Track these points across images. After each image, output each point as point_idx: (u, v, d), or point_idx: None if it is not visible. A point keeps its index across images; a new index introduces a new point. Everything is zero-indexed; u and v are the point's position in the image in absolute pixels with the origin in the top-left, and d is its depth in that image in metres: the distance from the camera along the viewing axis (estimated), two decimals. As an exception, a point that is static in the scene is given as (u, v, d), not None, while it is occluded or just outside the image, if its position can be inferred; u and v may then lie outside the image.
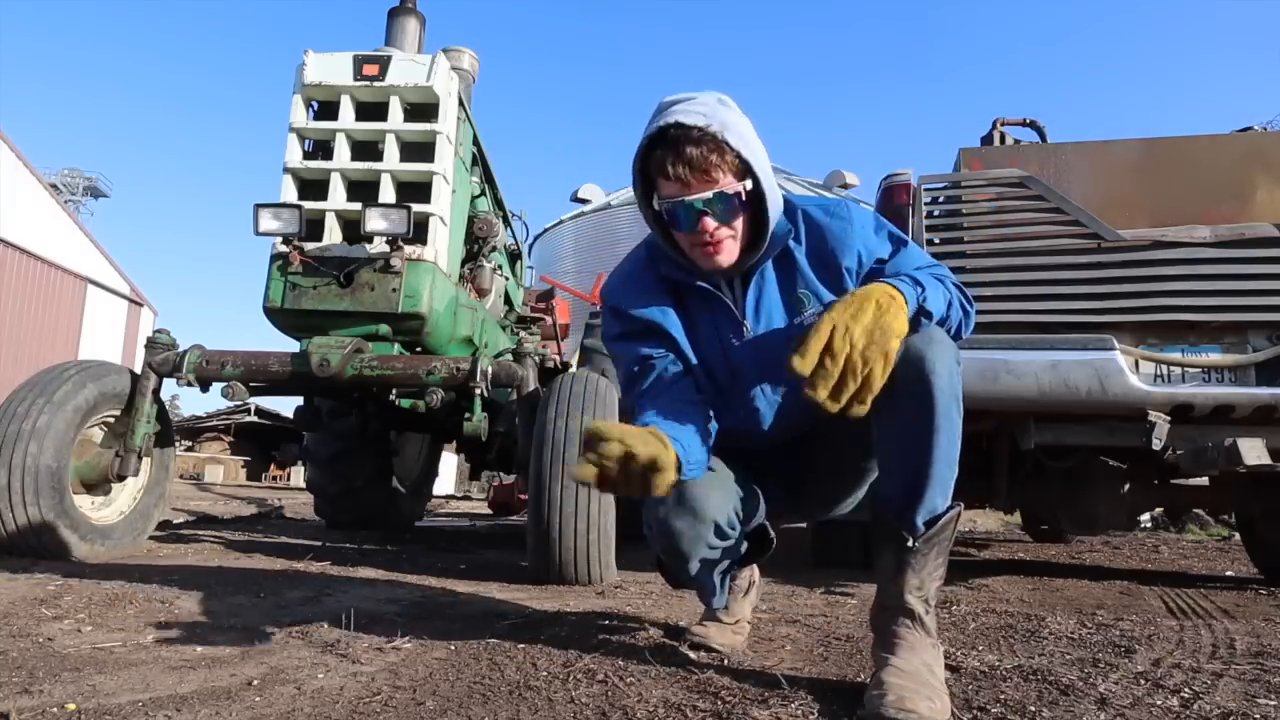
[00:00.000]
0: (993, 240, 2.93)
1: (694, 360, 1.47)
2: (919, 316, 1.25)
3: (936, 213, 3.02)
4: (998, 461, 3.30)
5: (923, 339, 1.26)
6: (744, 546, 1.59)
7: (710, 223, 1.31)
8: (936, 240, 2.97)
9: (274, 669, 1.40)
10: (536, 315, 5.60)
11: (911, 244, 1.45)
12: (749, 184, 1.31)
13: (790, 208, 1.44)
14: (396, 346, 3.23)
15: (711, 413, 1.44)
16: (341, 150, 3.18)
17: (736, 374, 1.46)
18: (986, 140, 3.87)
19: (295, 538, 4.30)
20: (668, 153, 1.29)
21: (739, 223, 1.34)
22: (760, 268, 1.42)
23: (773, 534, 1.61)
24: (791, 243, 1.42)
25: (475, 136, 3.80)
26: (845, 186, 14.45)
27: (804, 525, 4.21)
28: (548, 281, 7.96)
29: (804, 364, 1.13)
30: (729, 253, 1.36)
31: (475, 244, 3.87)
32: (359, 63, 3.17)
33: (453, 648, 1.60)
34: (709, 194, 1.29)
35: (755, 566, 1.81)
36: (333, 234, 3.15)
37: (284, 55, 6.01)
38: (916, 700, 1.11)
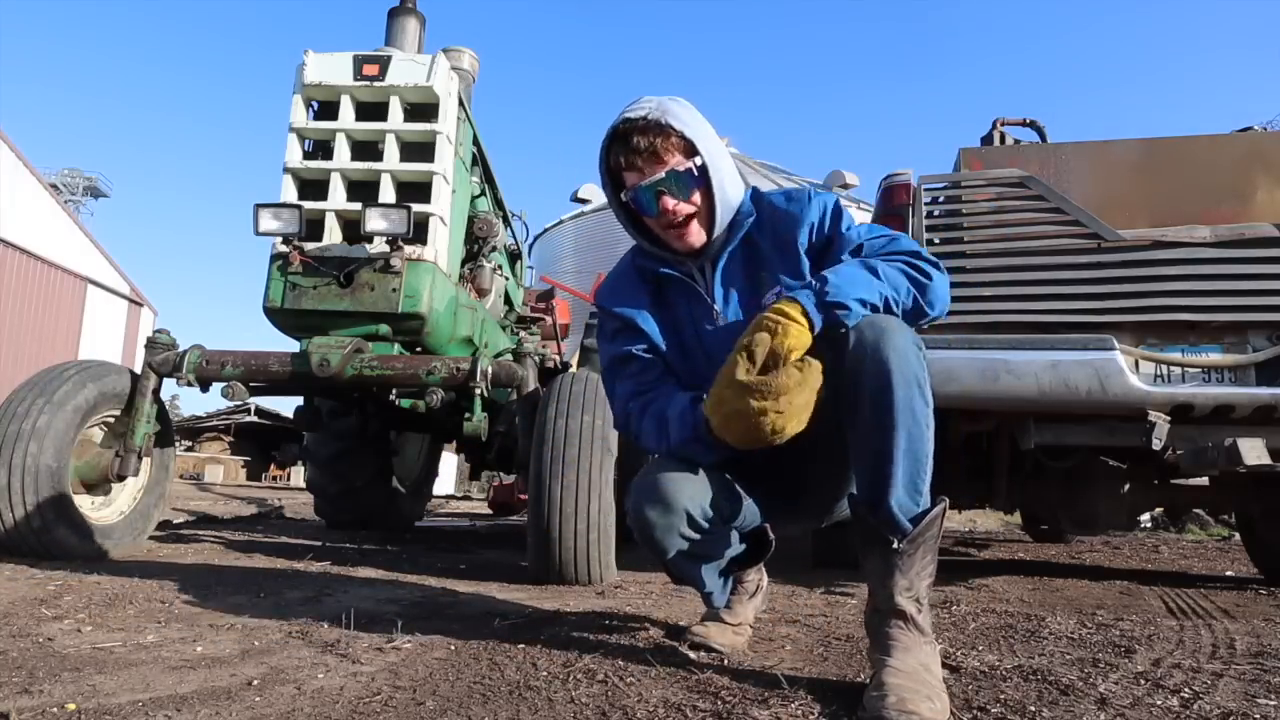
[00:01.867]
0: (993, 240, 2.93)
1: (667, 354, 1.56)
2: (832, 311, 1.28)
3: (936, 213, 3.02)
4: (998, 461, 3.30)
5: (872, 329, 1.28)
6: (742, 548, 1.60)
7: (669, 201, 1.43)
8: (936, 240, 2.97)
9: (274, 669, 1.40)
10: (536, 315, 5.61)
11: (853, 228, 1.50)
12: (698, 160, 1.42)
13: (757, 197, 1.55)
14: (396, 346, 3.23)
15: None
16: (341, 150, 3.18)
17: (711, 358, 1.50)
18: (986, 140, 3.86)
19: (295, 538, 4.30)
20: (620, 147, 1.43)
21: (697, 198, 1.45)
22: (727, 252, 1.52)
23: (771, 536, 1.62)
24: (754, 228, 1.52)
25: (475, 136, 3.80)
26: (845, 186, 14.42)
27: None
28: (548, 281, 7.97)
29: (708, 407, 1.31)
30: (696, 232, 1.47)
31: (475, 244, 3.87)
32: (359, 63, 3.17)
33: (453, 648, 1.60)
34: (661, 174, 1.41)
35: (764, 571, 1.81)
36: (333, 234, 3.15)
37: (284, 55, 6.01)
38: (917, 701, 1.11)
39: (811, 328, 1.27)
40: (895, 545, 1.25)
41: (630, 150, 1.41)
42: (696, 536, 1.42)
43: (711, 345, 1.50)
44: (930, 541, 1.28)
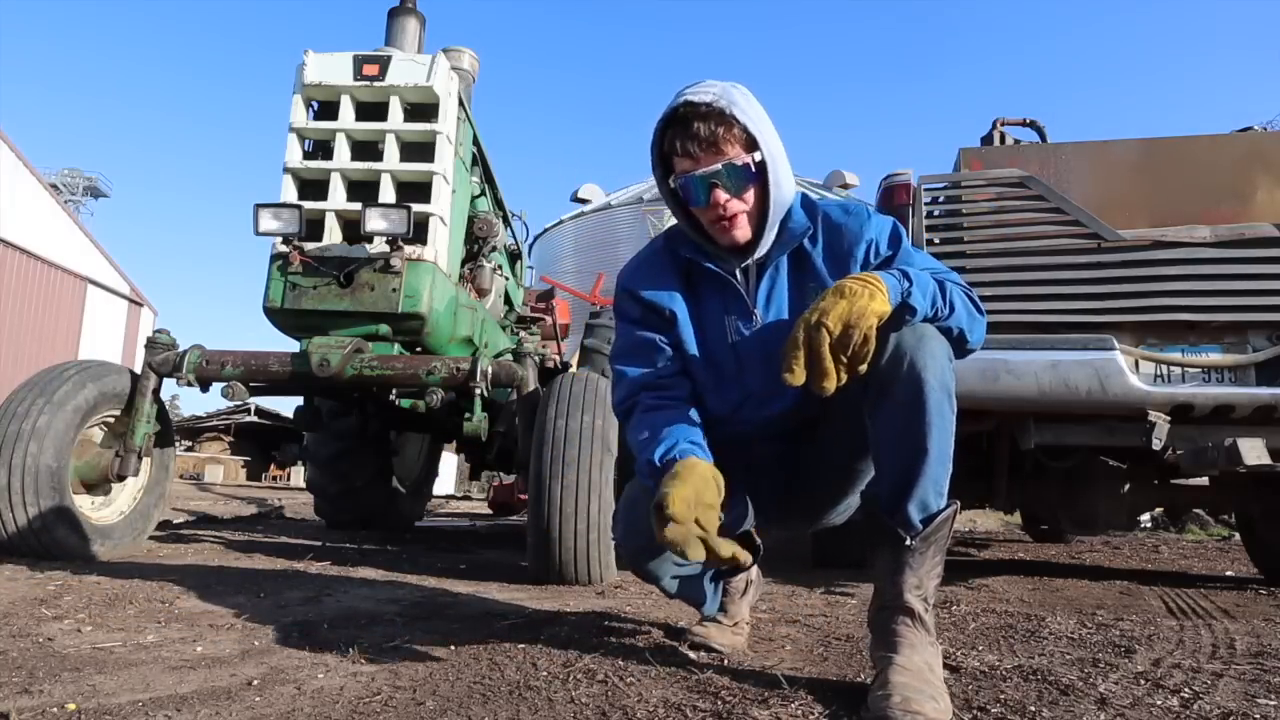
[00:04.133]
0: (993, 240, 2.93)
1: (693, 349, 1.49)
2: (903, 310, 1.24)
3: (936, 213, 3.02)
4: (998, 461, 3.30)
5: (911, 334, 1.26)
6: None
7: (721, 195, 1.35)
8: (936, 240, 2.97)
9: (274, 669, 1.40)
10: (536, 315, 5.61)
11: (918, 251, 1.46)
12: (758, 155, 1.35)
13: (811, 207, 1.48)
14: (396, 346, 3.23)
15: (702, 402, 1.48)
16: (341, 150, 3.18)
17: (741, 360, 1.47)
18: (986, 140, 3.87)
19: (295, 538, 4.30)
20: (678, 131, 1.34)
21: (750, 195, 1.37)
22: (776, 260, 1.45)
23: (759, 541, 1.61)
24: (807, 241, 1.45)
25: (475, 136, 3.80)
26: (845, 186, 14.43)
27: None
28: (548, 281, 7.97)
29: (793, 377, 1.18)
30: (743, 227, 1.39)
31: (475, 244, 3.87)
32: (359, 63, 3.17)
33: (453, 648, 1.60)
34: (718, 166, 1.34)
35: (755, 565, 1.81)
36: (333, 234, 3.15)
37: (284, 55, 6.01)
38: (921, 700, 1.11)
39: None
40: (908, 543, 1.26)
41: (689, 136, 1.32)
42: (690, 562, 1.40)
43: (744, 347, 1.46)
44: (941, 541, 1.29)
